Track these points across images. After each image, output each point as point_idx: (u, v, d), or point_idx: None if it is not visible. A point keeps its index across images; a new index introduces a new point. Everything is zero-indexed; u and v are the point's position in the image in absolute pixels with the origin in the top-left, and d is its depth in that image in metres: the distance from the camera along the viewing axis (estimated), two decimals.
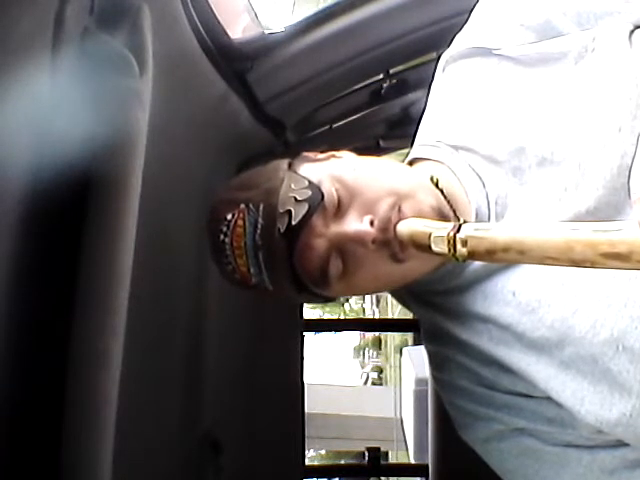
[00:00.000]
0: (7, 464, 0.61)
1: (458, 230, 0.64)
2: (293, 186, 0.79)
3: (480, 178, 0.83)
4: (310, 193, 0.78)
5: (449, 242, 0.65)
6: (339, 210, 0.79)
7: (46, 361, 0.62)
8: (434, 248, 0.67)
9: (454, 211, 0.82)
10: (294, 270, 0.79)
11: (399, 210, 0.77)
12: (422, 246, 0.70)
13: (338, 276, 0.80)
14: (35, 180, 0.61)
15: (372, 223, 0.77)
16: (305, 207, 0.78)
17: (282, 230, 0.77)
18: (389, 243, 0.77)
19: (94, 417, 0.64)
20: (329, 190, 0.79)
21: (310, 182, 0.79)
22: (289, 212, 0.78)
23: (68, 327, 0.62)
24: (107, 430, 0.65)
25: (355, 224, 0.78)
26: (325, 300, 0.88)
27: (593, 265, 0.54)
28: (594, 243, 0.53)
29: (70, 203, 0.64)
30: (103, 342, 0.65)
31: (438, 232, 0.67)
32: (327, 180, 0.80)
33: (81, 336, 0.63)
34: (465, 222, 0.66)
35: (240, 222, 0.79)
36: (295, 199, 0.78)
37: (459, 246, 0.64)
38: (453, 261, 0.67)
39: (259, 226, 0.78)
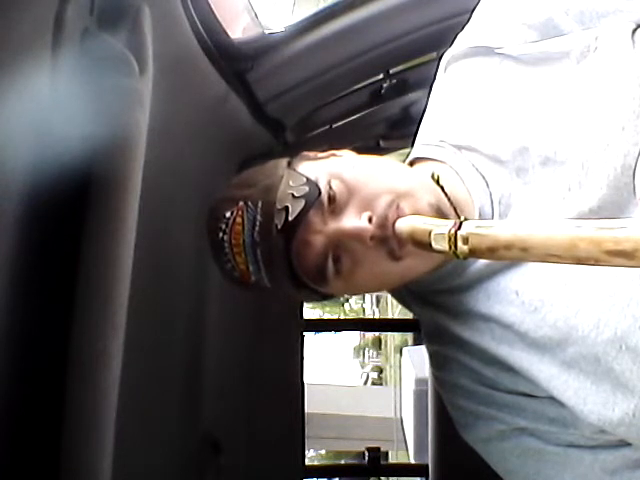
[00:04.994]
0: (7, 464, 0.61)
1: (459, 227, 0.64)
2: (291, 183, 0.79)
3: (484, 178, 0.83)
4: (307, 189, 0.79)
5: (450, 239, 0.64)
6: (337, 207, 0.79)
7: (46, 361, 0.62)
8: (435, 246, 0.67)
9: (455, 209, 0.82)
10: (292, 267, 0.79)
11: (397, 207, 0.77)
12: (422, 244, 0.70)
13: (336, 273, 0.80)
14: (35, 180, 0.60)
15: (370, 220, 0.77)
16: (302, 203, 0.78)
17: (279, 226, 0.77)
18: (387, 240, 0.77)
19: (94, 417, 0.64)
20: (326, 187, 0.79)
21: (308, 179, 0.80)
22: (286, 208, 0.78)
23: (68, 327, 0.62)
24: (107, 430, 0.65)
25: (353, 221, 0.78)
26: (324, 297, 0.88)
27: (597, 263, 0.54)
28: (598, 240, 0.53)
29: (70, 203, 0.64)
30: (103, 342, 0.65)
31: (439, 229, 0.67)
32: (325, 177, 0.80)
33: (81, 336, 0.63)
34: (466, 219, 0.66)
35: (239, 219, 0.79)
36: (292, 195, 0.78)
37: (460, 243, 0.63)
38: (454, 259, 0.67)
39: (257, 223, 0.78)
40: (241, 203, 0.80)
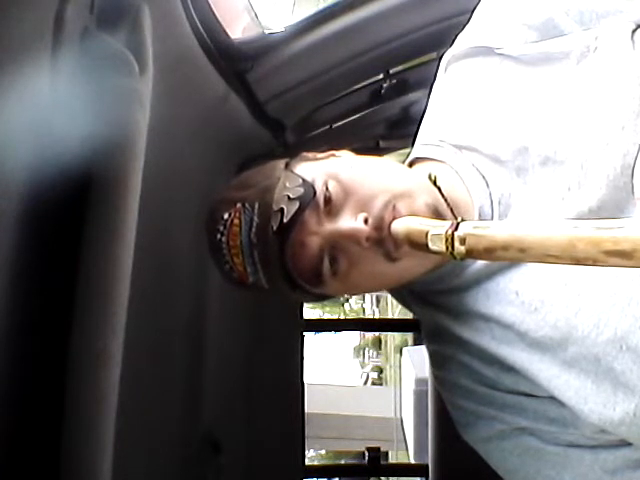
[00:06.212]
0: (7, 464, 0.61)
1: (456, 228, 0.63)
2: (287, 184, 0.80)
3: (484, 178, 0.83)
4: (302, 191, 0.79)
5: (447, 240, 0.64)
6: (334, 208, 0.79)
7: (46, 360, 0.62)
8: (431, 247, 0.66)
9: (452, 209, 0.82)
10: (286, 267, 0.80)
11: (393, 208, 0.78)
12: (419, 245, 0.69)
13: (332, 274, 0.80)
14: (35, 180, 0.60)
15: (366, 221, 0.77)
16: (296, 205, 0.78)
17: (275, 228, 0.78)
18: (383, 241, 0.78)
19: (94, 416, 0.64)
20: (322, 188, 0.79)
21: (304, 180, 0.80)
22: (282, 210, 0.78)
23: (68, 326, 0.62)
24: (107, 430, 0.65)
25: (349, 222, 0.78)
26: (320, 298, 0.89)
27: (595, 263, 0.54)
28: (597, 241, 0.53)
29: (70, 203, 0.64)
30: (103, 341, 0.65)
31: (435, 230, 0.66)
32: (322, 178, 0.80)
33: (81, 335, 0.63)
34: (463, 220, 0.65)
35: (236, 221, 0.80)
36: (288, 197, 0.79)
37: (457, 244, 0.63)
38: (451, 260, 0.66)
39: (254, 224, 0.79)
40: (239, 205, 0.80)
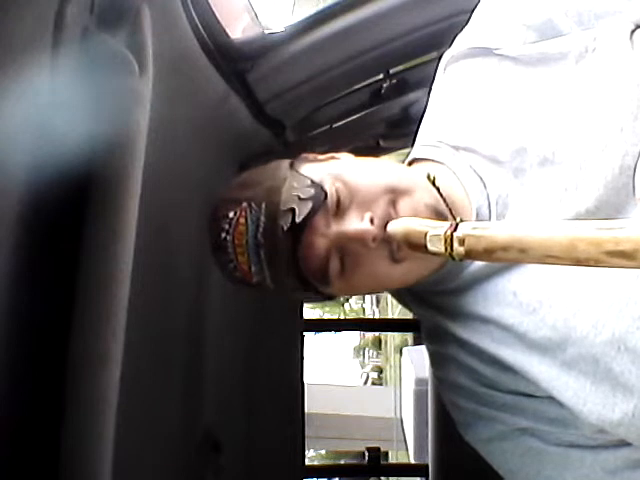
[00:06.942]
0: (7, 464, 0.61)
1: (455, 229, 0.63)
2: (296, 185, 0.80)
3: (481, 179, 0.84)
4: (313, 192, 0.79)
5: (446, 241, 0.63)
6: (340, 209, 0.79)
7: (46, 361, 0.62)
8: (430, 247, 0.66)
9: (450, 210, 0.82)
10: (298, 267, 0.80)
11: (395, 206, 0.78)
12: (417, 246, 0.69)
13: (338, 275, 0.81)
14: (35, 180, 0.60)
15: (372, 221, 0.77)
16: (309, 205, 0.78)
17: (285, 228, 0.78)
18: (390, 240, 0.78)
19: (94, 417, 0.64)
20: (331, 189, 0.79)
21: (313, 181, 0.80)
22: (292, 210, 0.78)
23: (68, 327, 0.62)
24: (107, 430, 0.65)
25: (356, 223, 0.78)
26: (325, 298, 0.89)
27: (596, 264, 0.53)
28: (598, 241, 0.53)
29: (70, 203, 0.64)
30: (103, 342, 0.65)
31: (434, 231, 0.66)
32: (328, 179, 0.80)
33: (81, 336, 0.63)
34: (462, 220, 0.65)
35: (242, 220, 0.80)
36: (299, 197, 0.79)
37: (456, 245, 0.62)
38: (450, 260, 0.66)
39: (261, 224, 0.79)
40: (244, 204, 0.80)
